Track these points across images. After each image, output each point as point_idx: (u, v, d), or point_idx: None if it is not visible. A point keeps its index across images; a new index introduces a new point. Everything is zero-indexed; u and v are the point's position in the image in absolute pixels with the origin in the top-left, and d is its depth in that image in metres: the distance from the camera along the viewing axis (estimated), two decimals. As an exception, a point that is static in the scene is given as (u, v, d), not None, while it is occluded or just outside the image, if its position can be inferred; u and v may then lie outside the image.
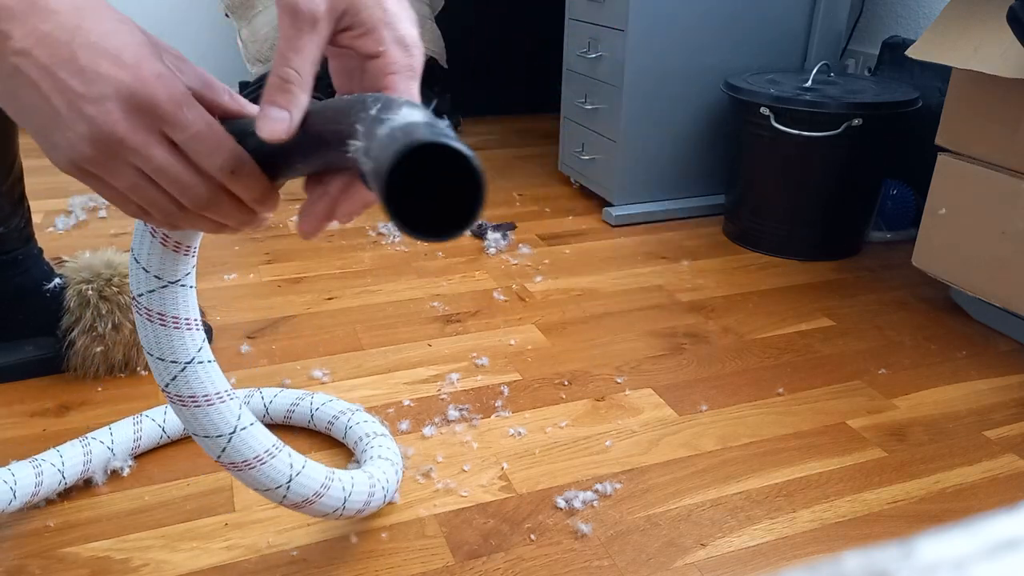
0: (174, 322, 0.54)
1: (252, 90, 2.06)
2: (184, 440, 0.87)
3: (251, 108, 0.44)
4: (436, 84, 2.32)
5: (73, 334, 0.95)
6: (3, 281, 0.94)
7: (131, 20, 0.40)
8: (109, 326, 0.95)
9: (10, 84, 0.38)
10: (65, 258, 1.01)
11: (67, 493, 0.79)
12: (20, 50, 0.37)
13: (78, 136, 0.38)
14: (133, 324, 0.97)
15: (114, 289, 0.96)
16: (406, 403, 0.95)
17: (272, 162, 0.42)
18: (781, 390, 1.00)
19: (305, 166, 0.42)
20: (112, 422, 0.90)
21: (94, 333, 0.95)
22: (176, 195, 0.41)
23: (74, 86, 0.37)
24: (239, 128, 0.42)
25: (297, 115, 0.40)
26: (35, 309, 0.95)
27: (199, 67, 0.43)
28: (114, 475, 0.81)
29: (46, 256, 0.99)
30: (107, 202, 0.45)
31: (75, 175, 0.40)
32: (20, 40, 0.37)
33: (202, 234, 0.55)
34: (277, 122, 0.40)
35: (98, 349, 0.96)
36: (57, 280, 0.97)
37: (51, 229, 1.45)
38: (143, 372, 0.99)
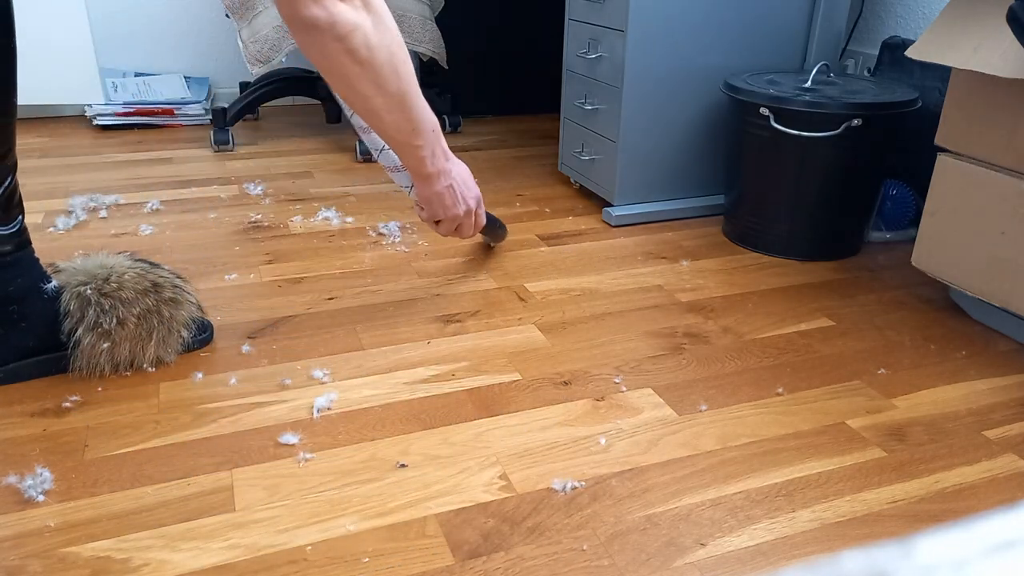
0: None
1: (252, 90, 2.07)
2: (184, 440, 0.88)
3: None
4: (436, 84, 2.32)
5: (78, 333, 0.95)
6: (1, 285, 0.93)
7: (467, 167, 1.14)
8: (114, 321, 0.95)
9: (445, 191, 1.08)
10: (59, 265, 1.01)
11: (67, 493, 0.79)
12: (454, 178, 1.09)
13: (462, 210, 1.11)
14: (137, 318, 0.97)
15: (113, 286, 0.96)
16: (406, 403, 0.95)
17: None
18: (781, 390, 1.00)
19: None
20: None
21: (99, 329, 0.95)
22: (466, 229, 1.16)
23: (467, 194, 1.12)
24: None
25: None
26: (34, 314, 0.95)
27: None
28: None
29: (42, 259, 0.99)
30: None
31: (432, 221, 1.14)
32: (454, 173, 1.09)
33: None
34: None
35: (104, 346, 0.95)
36: (54, 284, 0.96)
37: (52, 229, 1.45)
38: (150, 368, 0.99)
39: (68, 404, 0.93)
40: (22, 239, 0.95)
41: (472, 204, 1.11)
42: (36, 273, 0.96)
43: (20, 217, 0.94)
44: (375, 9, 0.85)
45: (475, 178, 1.82)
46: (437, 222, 1.12)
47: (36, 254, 0.97)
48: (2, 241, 0.92)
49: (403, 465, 0.84)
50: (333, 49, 0.83)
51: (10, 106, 0.88)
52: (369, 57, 0.85)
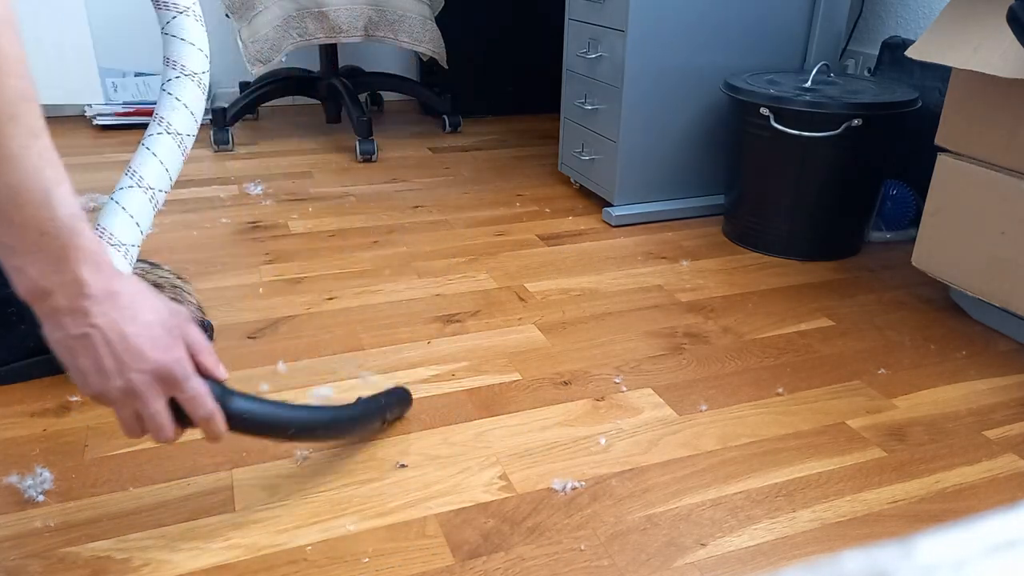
0: None
1: (252, 90, 2.07)
2: (184, 440, 0.87)
3: (219, 371, 0.65)
4: (436, 84, 2.32)
5: None
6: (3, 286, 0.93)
7: (163, 303, 0.61)
8: None
9: (74, 341, 0.57)
10: None
11: (67, 493, 0.79)
12: (94, 324, 0.56)
13: (114, 387, 0.58)
14: None
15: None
16: (406, 403, 0.95)
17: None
18: (781, 390, 1.00)
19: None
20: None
21: None
22: (152, 429, 0.61)
23: (125, 359, 0.57)
24: (219, 391, 0.65)
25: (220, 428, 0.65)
26: (34, 316, 0.95)
27: (197, 329, 0.64)
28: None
29: None
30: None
31: (92, 399, 0.60)
32: (95, 317, 0.56)
33: None
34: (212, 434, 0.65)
35: None
36: None
37: (51, 229, 1.45)
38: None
39: (68, 404, 0.93)
40: None
41: (134, 383, 0.58)
42: None
43: None
44: None
45: (475, 178, 1.84)
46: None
47: None
48: None
49: (403, 465, 0.84)
50: None
51: None
52: None
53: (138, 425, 0.61)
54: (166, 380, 0.60)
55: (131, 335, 0.57)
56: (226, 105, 2.03)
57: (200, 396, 0.62)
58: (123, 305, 0.58)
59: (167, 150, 0.93)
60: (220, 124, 1.98)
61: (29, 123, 0.52)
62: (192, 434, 0.88)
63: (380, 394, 0.88)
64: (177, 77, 0.93)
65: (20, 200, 0.52)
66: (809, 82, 1.37)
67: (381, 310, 1.18)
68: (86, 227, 0.56)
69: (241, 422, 0.67)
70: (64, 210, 0.54)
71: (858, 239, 1.44)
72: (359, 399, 0.84)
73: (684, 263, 1.37)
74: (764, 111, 1.32)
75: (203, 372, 0.64)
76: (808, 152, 1.32)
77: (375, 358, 1.05)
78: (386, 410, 0.88)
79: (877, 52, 1.60)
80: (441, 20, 2.02)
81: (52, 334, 0.58)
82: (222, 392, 0.65)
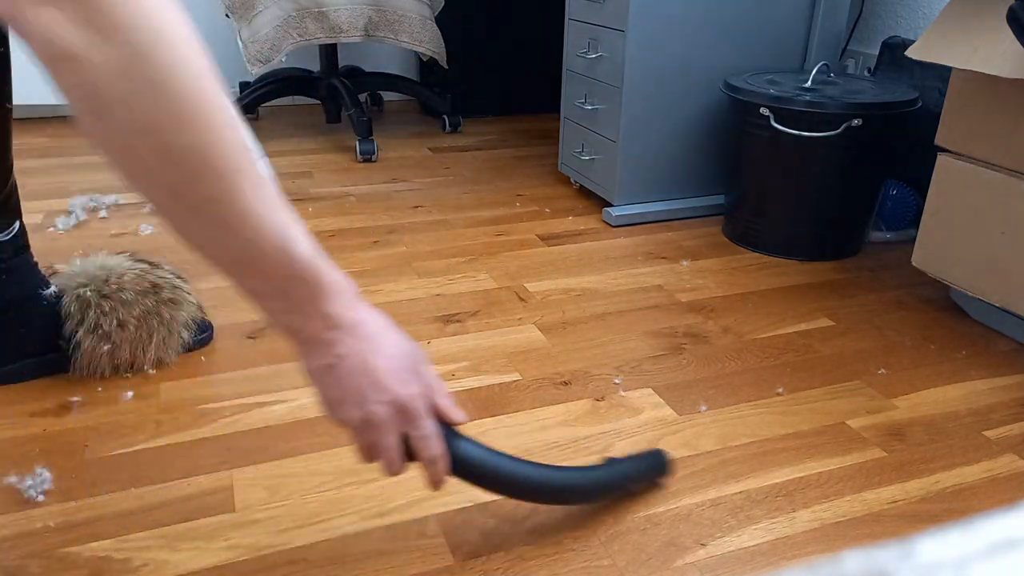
0: None
1: (252, 90, 2.07)
2: (184, 440, 0.87)
3: (454, 414, 0.64)
4: (436, 84, 2.32)
5: (78, 335, 0.95)
6: (1, 291, 0.93)
7: (404, 339, 0.62)
8: (114, 323, 0.95)
9: (322, 371, 0.59)
10: (57, 267, 1.01)
11: (67, 493, 0.79)
12: (339, 355, 0.58)
13: (354, 416, 0.59)
14: (138, 320, 0.97)
15: (113, 287, 0.96)
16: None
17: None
18: (781, 390, 1.00)
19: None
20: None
21: (100, 332, 0.95)
22: (384, 461, 0.62)
23: (367, 392, 0.58)
24: (447, 433, 0.64)
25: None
26: (33, 320, 0.95)
27: (434, 371, 0.64)
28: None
29: (41, 260, 0.98)
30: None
31: (334, 422, 0.61)
32: (341, 347, 0.58)
33: None
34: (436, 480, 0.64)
35: (105, 348, 0.95)
36: (53, 289, 0.96)
37: (51, 229, 1.45)
38: (151, 371, 0.99)
39: (68, 404, 0.93)
40: (18, 245, 0.94)
41: (374, 415, 0.59)
42: (35, 279, 0.96)
43: (17, 223, 0.93)
44: (122, 37, 0.44)
45: (475, 178, 1.84)
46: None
47: (35, 258, 0.97)
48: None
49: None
50: (55, 76, 0.45)
51: (3, 110, 0.87)
52: (104, 111, 0.45)
53: (371, 455, 0.62)
54: (403, 414, 0.60)
55: (374, 368, 0.59)
56: (226, 105, 2.03)
57: (431, 437, 0.62)
58: (368, 336, 0.60)
59: None
60: (220, 124, 1.98)
61: (251, 172, 0.51)
62: (193, 434, 0.89)
63: (632, 457, 0.79)
64: None
65: (261, 251, 0.52)
66: (809, 82, 1.37)
67: (381, 310, 1.18)
68: (325, 262, 0.56)
69: (464, 469, 0.65)
70: (303, 251, 0.54)
71: (858, 239, 1.44)
72: (605, 460, 0.77)
73: (684, 263, 1.37)
74: (764, 111, 1.32)
75: (439, 415, 0.63)
76: (808, 152, 1.32)
77: (375, 358, 1.05)
78: (632, 481, 0.78)
79: (877, 52, 1.60)
80: (441, 20, 2.02)
81: (304, 363, 0.60)
82: (451, 436, 0.64)
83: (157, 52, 0.45)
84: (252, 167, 0.51)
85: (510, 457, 0.68)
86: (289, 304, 0.56)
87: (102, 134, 0.47)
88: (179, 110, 0.46)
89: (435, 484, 0.64)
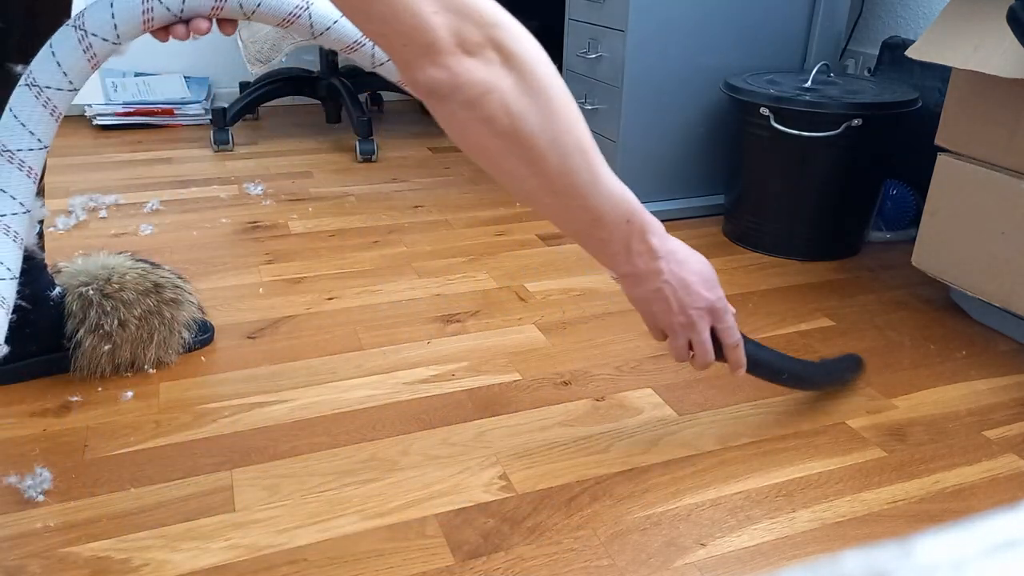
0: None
1: (252, 90, 2.07)
2: (184, 440, 0.88)
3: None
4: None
5: (79, 334, 0.95)
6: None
7: (702, 257, 0.77)
8: (115, 323, 0.95)
9: (652, 294, 0.75)
10: (60, 265, 1.01)
11: (67, 493, 0.79)
12: (665, 279, 0.74)
13: (677, 322, 0.77)
14: (139, 320, 0.97)
15: (115, 287, 0.96)
16: (406, 403, 0.95)
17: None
18: (781, 390, 1.00)
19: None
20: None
21: (101, 331, 0.95)
22: (699, 354, 0.79)
23: (686, 301, 0.75)
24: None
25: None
26: (39, 321, 0.95)
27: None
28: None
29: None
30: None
31: (656, 335, 0.80)
32: (665, 273, 0.74)
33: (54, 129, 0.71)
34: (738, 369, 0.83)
35: (105, 347, 0.95)
36: (58, 291, 0.96)
37: (52, 229, 1.45)
38: (151, 370, 0.99)
39: (68, 404, 0.93)
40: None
41: (693, 317, 0.76)
42: (43, 281, 0.96)
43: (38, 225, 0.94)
44: (520, 64, 0.63)
45: (475, 178, 1.84)
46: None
47: (44, 261, 0.97)
48: None
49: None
50: (463, 119, 0.64)
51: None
52: (512, 127, 0.64)
53: (687, 352, 0.79)
54: (713, 313, 0.77)
55: (691, 283, 0.75)
56: (226, 105, 2.03)
57: (734, 327, 0.79)
58: (681, 260, 0.75)
59: None
60: (220, 124, 1.98)
61: (597, 148, 0.70)
62: (193, 434, 0.89)
63: (844, 357, 1.01)
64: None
65: (610, 204, 0.69)
66: (809, 82, 1.37)
67: (381, 310, 1.18)
68: (641, 205, 0.72)
69: (750, 358, 0.82)
70: (629, 195, 0.71)
71: (858, 239, 1.44)
72: (822, 360, 1.02)
73: (684, 263, 1.37)
74: (764, 111, 1.32)
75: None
76: (808, 152, 1.32)
77: (375, 358, 1.05)
78: (848, 373, 1.01)
79: (877, 52, 1.60)
80: (441, 20, 2.02)
81: (632, 291, 0.77)
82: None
83: (537, 71, 0.64)
84: (591, 141, 0.70)
85: (773, 351, 0.88)
86: (628, 244, 0.72)
87: (514, 136, 0.65)
88: (555, 109, 0.66)
89: (736, 367, 0.81)
